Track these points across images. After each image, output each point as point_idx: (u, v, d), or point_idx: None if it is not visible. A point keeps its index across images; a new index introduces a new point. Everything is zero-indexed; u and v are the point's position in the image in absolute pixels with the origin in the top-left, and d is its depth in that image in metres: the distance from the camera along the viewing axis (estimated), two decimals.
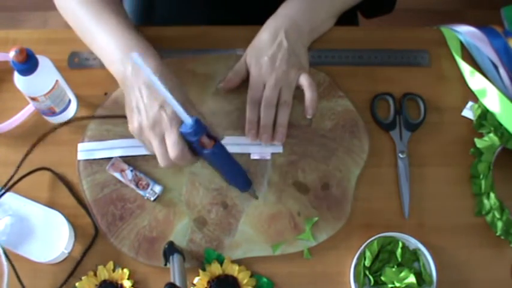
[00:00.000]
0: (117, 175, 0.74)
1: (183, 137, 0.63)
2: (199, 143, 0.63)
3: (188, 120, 0.62)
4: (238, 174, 0.69)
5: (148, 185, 0.73)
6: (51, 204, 0.73)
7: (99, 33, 0.72)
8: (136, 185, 0.73)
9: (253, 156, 0.76)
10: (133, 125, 0.66)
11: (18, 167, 0.74)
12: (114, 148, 0.75)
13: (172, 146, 0.63)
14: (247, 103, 0.75)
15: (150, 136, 0.65)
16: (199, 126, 0.62)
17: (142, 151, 0.74)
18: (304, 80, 0.74)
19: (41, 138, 0.77)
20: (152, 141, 0.65)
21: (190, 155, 0.64)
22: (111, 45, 0.70)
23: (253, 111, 0.75)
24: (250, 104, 0.75)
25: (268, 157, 0.76)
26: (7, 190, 0.70)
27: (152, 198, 0.73)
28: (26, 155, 0.75)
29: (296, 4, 0.78)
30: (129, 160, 0.75)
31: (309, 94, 0.73)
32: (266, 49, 0.75)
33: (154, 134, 0.64)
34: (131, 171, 0.74)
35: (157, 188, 0.73)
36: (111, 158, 0.75)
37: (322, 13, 0.80)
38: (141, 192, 0.73)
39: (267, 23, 0.78)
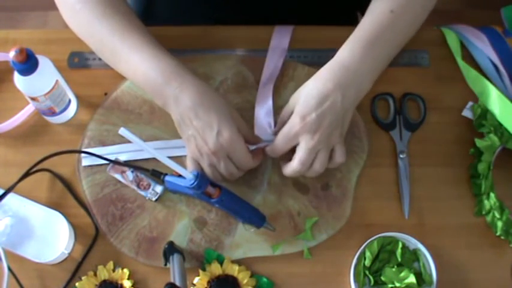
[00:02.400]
0: (118, 176, 0.74)
1: (246, 147, 0.68)
2: (205, 193, 0.67)
3: (189, 176, 0.66)
4: (249, 213, 0.70)
5: (149, 186, 0.73)
6: (51, 205, 0.73)
7: (129, 55, 0.69)
8: (138, 185, 0.73)
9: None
10: (191, 149, 0.69)
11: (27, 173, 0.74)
12: (119, 153, 0.75)
13: (243, 161, 0.68)
14: (272, 146, 0.69)
15: (212, 160, 0.68)
16: (201, 180, 0.66)
17: (146, 155, 0.74)
18: (339, 155, 0.68)
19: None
20: (217, 164, 0.68)
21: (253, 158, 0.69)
22: (150, 71, 0.68)
23: (274, 153, 0.70)
24: (274, 148, 0.69)
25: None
26: (7, 192, 0.69)
27: (154, 199, 0.73)
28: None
29: (357, 51, 0.68)
30: (129, 161, 0.75)
31: (331, 166, 0.70)
32: (317, 103, 0.65)
33: (217, 158, 0.67)
34: (132, 172, 0.74)
35: (159, 188, 0.73)
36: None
37: (383, 61, 0.71)
38: (142, 193, 0.73)
39: (324, 74, 0.68)
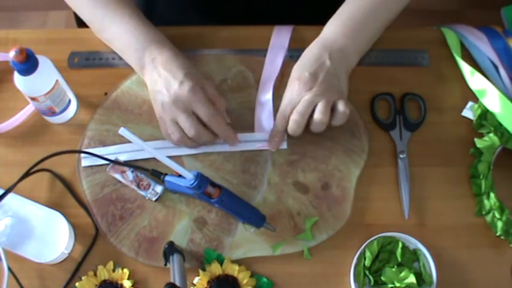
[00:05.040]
0: (118, 176, 0.74)
1: (208, 101, 0.70)
2: (205, 193, 0.67)
3: (189, 176, 0.66)
4: (249, 213, 0.70)
5: (149, 186, 0.73)
6: (51, 205, 0.73)
7: (113, 24, 0.75)
8: (138, 185, 0.73)
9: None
10: (157, 106, 0.72)
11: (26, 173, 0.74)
12: (119, 153, 0.75)
13: (205, 113, 0.70)
14: (278, 114, 0.74)
15: (174, 112, 0.70)
16: (202, 180, 0.67)
17: (146, 155, 0.74)
18: (341, 106, 0.70)
19: None
20: (178, 116, 0.70)
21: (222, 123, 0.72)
22: (128, 36, 0.74)
23: (281, 122, 0.73)
24: (280, 116, 0.73)
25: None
26: (7, 192, 0.69)
27: (154, 199, 0.73)
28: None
29: (339, 28, 0.75)
30: (129, 161, 0.75)
31: (336, 121, 0.71)
32: (308, 66, 0.72)
33: (177, 109, 0.69)
34: (132, 172, 0.74)
35: (159, 188, 0.73)
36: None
37: (366, 33, 0.76)
38: (142, 193, 0.73)
39: (311, 46, 0.75)
